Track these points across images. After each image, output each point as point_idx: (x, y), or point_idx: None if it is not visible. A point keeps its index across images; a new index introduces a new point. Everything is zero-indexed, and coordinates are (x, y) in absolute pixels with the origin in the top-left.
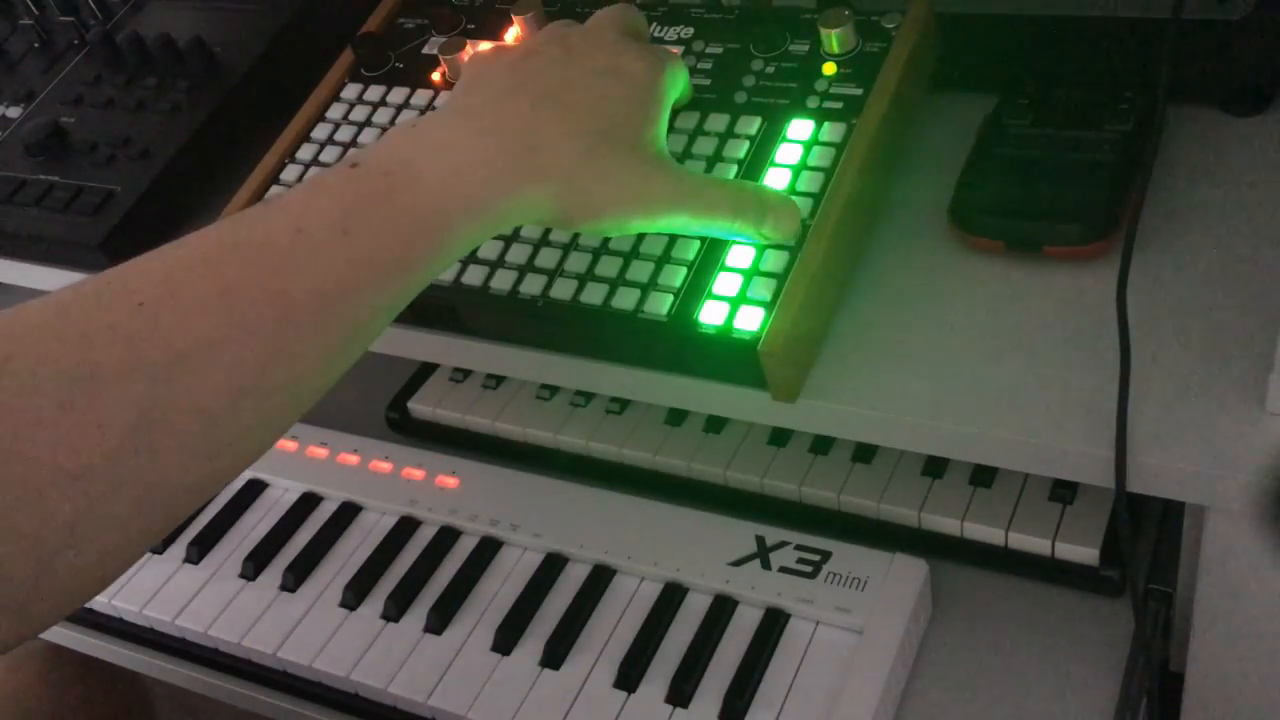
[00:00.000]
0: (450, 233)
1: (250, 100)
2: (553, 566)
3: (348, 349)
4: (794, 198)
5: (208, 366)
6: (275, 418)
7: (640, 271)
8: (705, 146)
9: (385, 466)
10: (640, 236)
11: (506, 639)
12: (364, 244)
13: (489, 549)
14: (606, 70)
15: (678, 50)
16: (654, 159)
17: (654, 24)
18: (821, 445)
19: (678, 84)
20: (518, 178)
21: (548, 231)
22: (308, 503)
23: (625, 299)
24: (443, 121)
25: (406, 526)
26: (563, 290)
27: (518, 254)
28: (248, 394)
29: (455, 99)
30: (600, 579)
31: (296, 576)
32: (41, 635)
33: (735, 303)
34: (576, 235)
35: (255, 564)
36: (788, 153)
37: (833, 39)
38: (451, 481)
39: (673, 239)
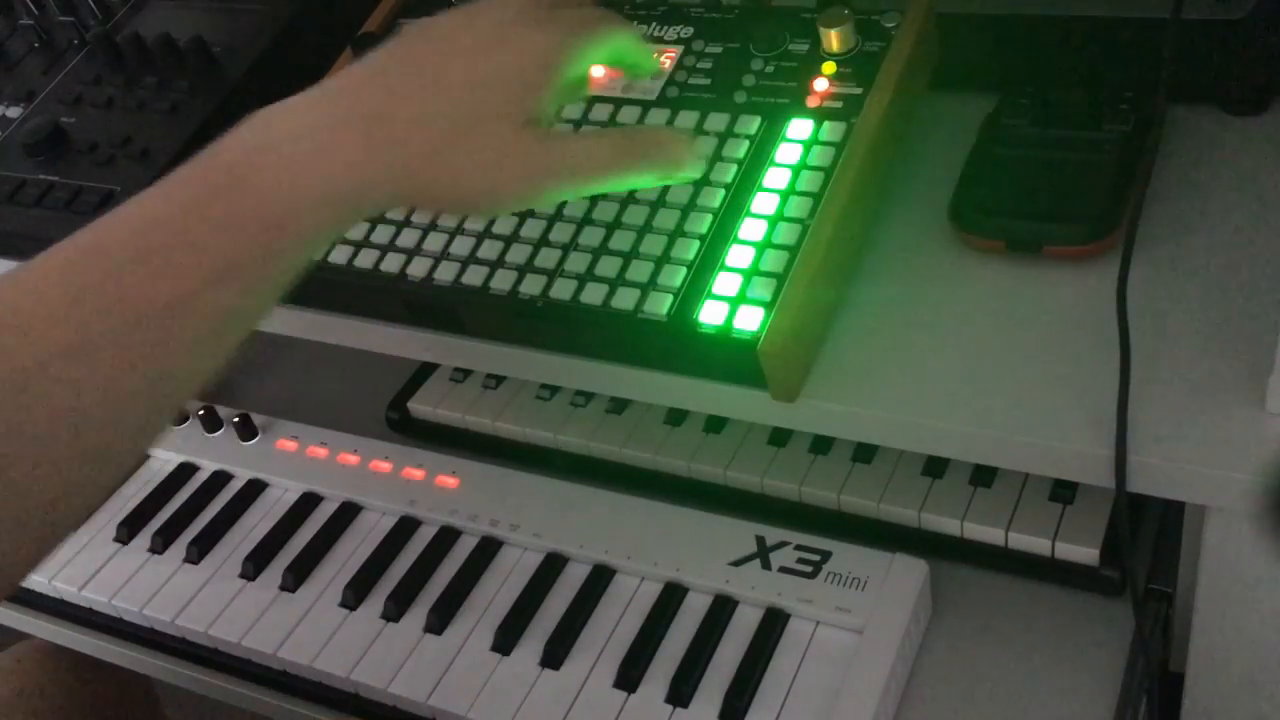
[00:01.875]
0: (300, 227)
1: (250, 100)
2: (553, 566)
3: (208, 348)
4: (794, 197)
5: (70, 372)
6: (143, 418)
7: (640, 271)
8: (705, 147)
9: (385, 466)
10: (640, 235)
11: (506, 639)
12: (209, 244)
13: (489, 549)
14: (495, 41)
15: (675, 51)
16: (530, 134)
17: (654, 23)
18: (821, 445)
19: (590, 52)
20: (367, 166)
21: (547, 231)
22: (308, 503)
23: (625, 299)
24: (298, 105)
25: (406, 526)
26: (563, 290)
27: (518, 254)
28: (111, 397)
29: (327, 77)
30: (600, 579)
31: (296, 576)
32: (43, 636)
33: (735, 302)
34: (577, 235)
35: (255, 564)
36: (787, 152)
37: (832, 38)
38: (451, 481)
39: (672, 239)
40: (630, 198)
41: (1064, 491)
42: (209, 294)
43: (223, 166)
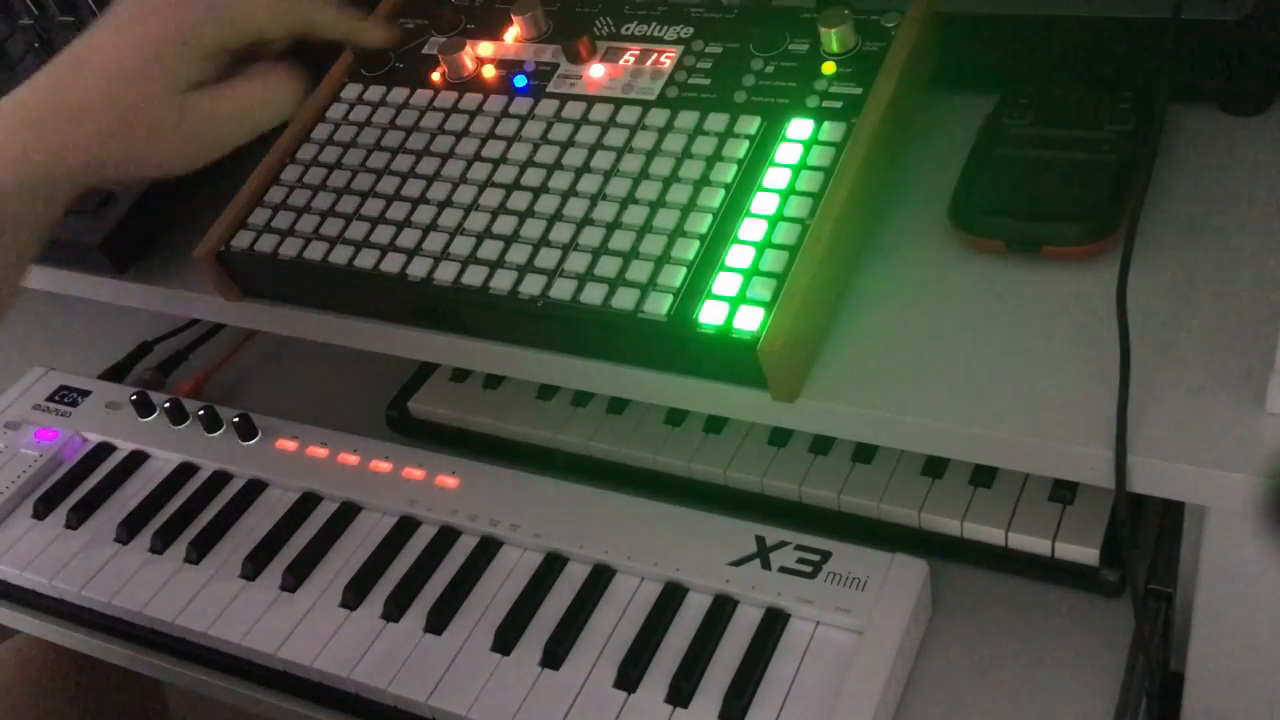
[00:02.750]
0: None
1: None
2: (553, 566)
3: None
4: (794, 197)
5: None
6: None
7: (640, 271)
8: (705, 146)
9: (385, 466)
10: (640, 235)
11: (506, 639)
12: None
13: (489, 549)
14: (134, 19)
15: (675, 50)
16: (184, 101)
17: (654, 24)
18: (821, 445)
19: (227, 21)
20: (44, 161)
21: (548, 231)
22: (308, 503)
23: (625, 299)
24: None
25: (406, 526)
26: (563, 290)
27: (518, 254)
28: None
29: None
30: (600, 579)
31: (296, 576)
32: (42, 636)
33: (735, 302)
34: (577, 235)
35: (255, 564)
36: (787, 152)
37: (832, 38)
38: (451, 481)
39: (672, 239)
40: (630, 198)
41: (1064, 491)
42: None
43: None
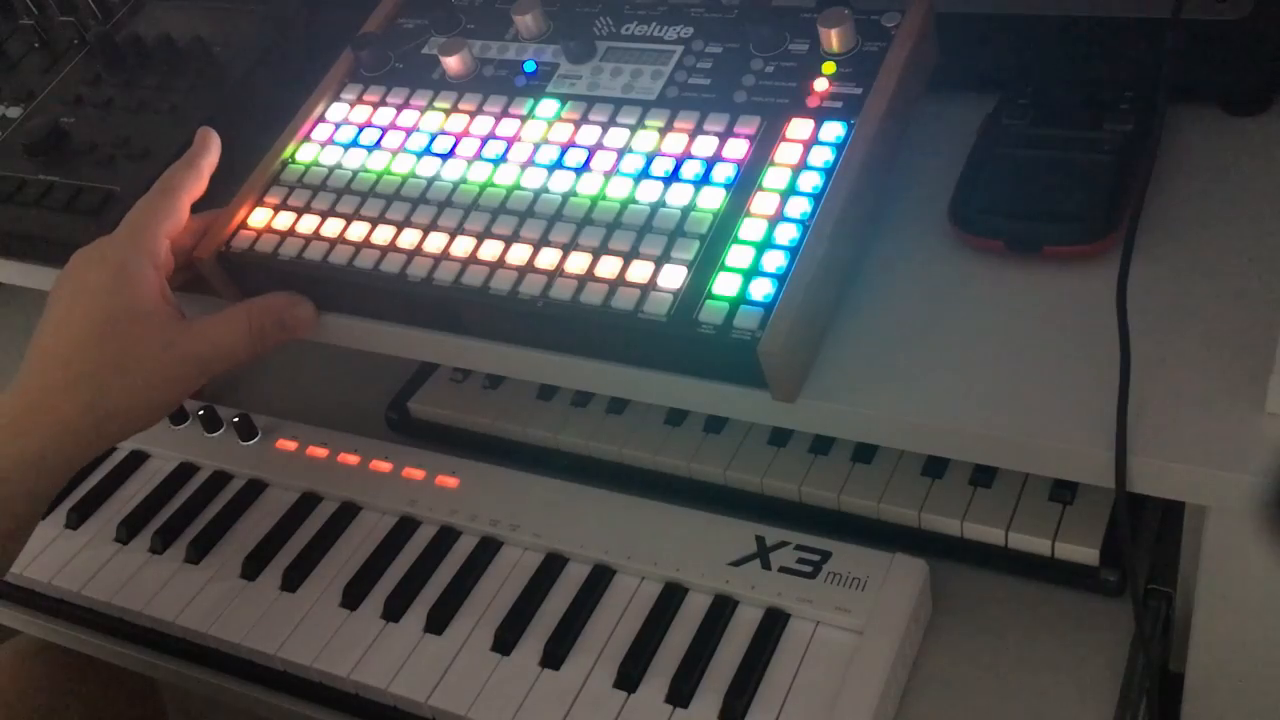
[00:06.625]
0: None
1: (250, 100)
2: (553, 566)
3: None
4: (794, 197)
5: None
6: None
7: (640, 272)
8: (705, 148)
9: (385, 466)
10: (640, 235)
11: (506, 639)
12: None
13: (489, 549)
14: (70, 295)
15: (675, 50)
16: (172, 334)
17: (654, 24)
18: (821, 445)
19: (164, 211)
20: (27, 439)
21: (548, 231)
22: (308, 503)
23: (625, 299)
24: None
25: (406, 526)
26: (563, 290)
27: (518, 254)
28: None
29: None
30: (600, 579)
31: (296, 576)
32: (42, 635)
33: (735, 303)
34: (577, 235)
35: (255, 564)
36: (787, 152)
37: (832, 38)
38: (451, 481)
39: (672, 239)
40: (630, 198)
41: (1064, 491)
42: None
43: None
